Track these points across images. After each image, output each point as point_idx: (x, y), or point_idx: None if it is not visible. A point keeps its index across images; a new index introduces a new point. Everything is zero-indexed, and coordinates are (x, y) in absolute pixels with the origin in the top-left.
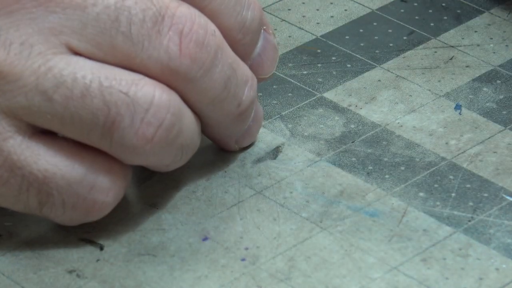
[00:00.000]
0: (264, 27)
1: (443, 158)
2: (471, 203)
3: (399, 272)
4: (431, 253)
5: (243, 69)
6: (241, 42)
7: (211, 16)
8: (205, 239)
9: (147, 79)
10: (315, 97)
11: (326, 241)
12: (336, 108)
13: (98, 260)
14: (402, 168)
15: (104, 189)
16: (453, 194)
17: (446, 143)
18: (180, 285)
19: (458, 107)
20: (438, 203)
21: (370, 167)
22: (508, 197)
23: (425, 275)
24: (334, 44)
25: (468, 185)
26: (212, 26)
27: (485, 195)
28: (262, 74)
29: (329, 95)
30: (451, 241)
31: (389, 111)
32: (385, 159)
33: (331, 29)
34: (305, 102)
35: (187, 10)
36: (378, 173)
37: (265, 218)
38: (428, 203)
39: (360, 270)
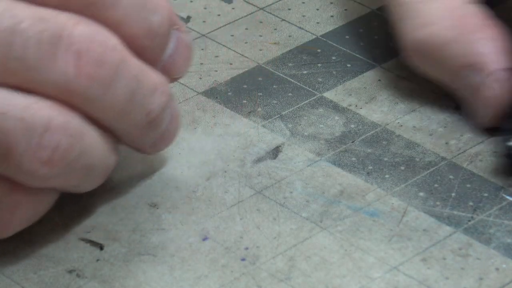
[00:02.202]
0: (176, 27)
1: (443, 158)
2: (471, 203)
3: (399, 272)
4: (431, 253)
5: (151, 76)
6: (149, 47)
7: (115, 26)
8: (205, 239)
9: (43, 103)
10: (315, 97)
11: (326, 241)
12: (336, 108)
13: (98, 260)
14: (402, 168)
15: (8, 212)
16: (453, 194)
17: (446, 143)
18: (180, 285)
19: (458, 107)
20: (438, 203)
21: (370, 167)
22: (508, 197)
23: (425, 275)
24: (334, 44)
25: (468, 185)
26: (112, 41)
27: (485, 195)
28: (175, 74)
29: (329, 95)
30: (451, 241)
31: (389, 111)
32: (385, 159)
33: (331, 29)
34: (305, 102)
35: (85, 28)
36: (378, 173)
37: (265, 218)
38: (428, 203)
39: (360, 270)
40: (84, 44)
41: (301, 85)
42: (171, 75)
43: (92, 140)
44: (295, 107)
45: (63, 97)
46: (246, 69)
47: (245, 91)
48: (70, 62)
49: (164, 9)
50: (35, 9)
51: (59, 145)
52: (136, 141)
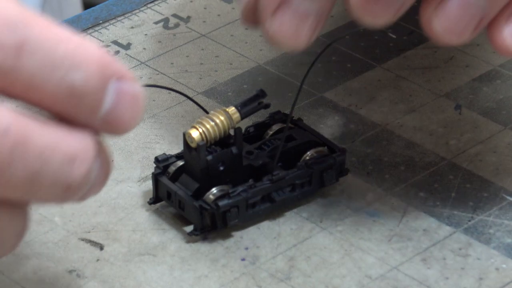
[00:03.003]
0: (115, 77)
1: (443, 158)
2: (471, 203)
3: (399, 272)
4: (431, 253)
5: (65, 149)
6: (76, 108)
7: (23, 92)
8: (205, 239)
9: None
10: (315, 97)
11: (326, 241)
12: (336, 108)
13: (98, 260)
14: (402, 168)
15: None
16: (453, 194)
17: (446, 143)
18: (180, 285)
19: (458, 107)
20: (438, 203)
21: (370, 167)
22: (508, 197)
23: (425, 275)
24: (334, 44)
25: (468, 185)
26: (3, 124)
27: (485, 195)
28: (122, 131)
29: (329, 95)
30: (451, 241)
31: (389, 111)
32: (385, 159)
33: (331, 29)
34: (305, 102)
35: None
36: (378, 173)
37: (265, 218)
38: (428, 203)
39: (360, 270)
40: None
41: None
42: (115, 131)
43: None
44: (295, 107)
45: None
46: (246, 69)
47: (245, 91)
48: None
49: (91, 62)
50: None
51: None
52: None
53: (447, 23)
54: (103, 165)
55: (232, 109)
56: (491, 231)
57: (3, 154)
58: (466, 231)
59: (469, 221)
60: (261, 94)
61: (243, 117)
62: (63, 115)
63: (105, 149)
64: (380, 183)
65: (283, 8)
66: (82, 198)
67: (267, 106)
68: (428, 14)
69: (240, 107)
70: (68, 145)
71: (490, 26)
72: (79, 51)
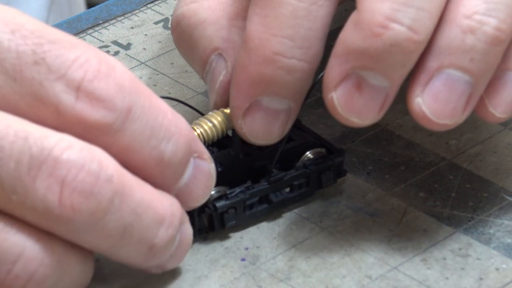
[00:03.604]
0: (196, 154)
1: (443, 158)
2: (471, 203)
3: (399, 272)
4: (431, 253)
5: (156, 209)
6: (160, 176)
7: (120, 153)
8: (205, 239)
9: (18, 227)
10: (315, 97)
11: (326, 241)
12: None
13: (98, 260)
14: (402, 168)
15: None
16: (453, 194)
17: (446, 143)
18: (180, 285)
19: None
20: (438, 203)
21: (370, 167)
22: (508, 197)
23: (425, 275)
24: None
25: (468, 185)
26: (108, 171)
27: (485, 195)
28: (192, 204)
29: None
30: (451, 241)
31: (389, 111)
32: (385, 159)
33: (331, 29)
34: (305, 102)
35: (75, 155)
36: (378, 173)
37: (270, 217)
38: (428, 203)
39: (360, 270)
40: (71, 172)
41: None
42: (187, 204)
43: (74, 268)
44: None
45: (42, 224)
46: None
47: None
48: (52, 189)
49: (181, 136)
50: (23, 125)
51: (33, 276)
52: (139, 265)
53: (435, 104)
54: (185, 235)
55: (229, 110)
56: (491, 231)
57: (104, 200)
58: (466, 231)
59: (469, 221)
60: None
61: None
62: (147, 181)
63: (187, 220)
64: (380, 183)
65: (254, 109)
66: (162, 267)
67: None
68: (415, 99)
69: None
70: (160, 205)
71: (477, 104)
72: (174, 124)
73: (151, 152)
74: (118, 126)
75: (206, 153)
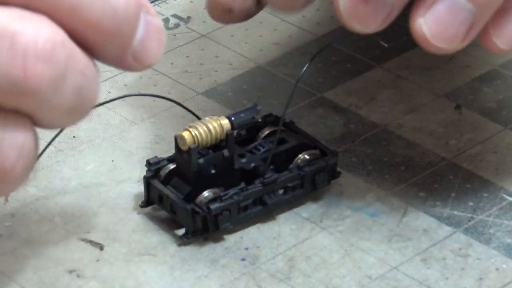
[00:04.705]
0: (145, 9)
1: (443, 158)
2: (471, 203)
3: (399, 272)
4: (431, 253)
5: (92, 66)
6: (117, 33)
7: (71, 11)
8: (205, 239)
9: None
10: (315, 97)
11: (326, 241)
12: (336, 108)
13: (98, 260)
14: (402, 168)
15: None
16: (453, 194)
17: (446, 143)
18: (180, 285)
19: (458, 107)
20: (438, 203)
21: (370, 167)
22: (508, 197)
23: (425, 275)
24: (334, 44)
25: (468, 185)
26: (60, 36)
27: (485, 195)
28: (149, 61)
29: (329, 95)
30: (451, 241)
31: (389, 111)
32: (385, 159)
33: (331, 29)
34: (305, 102)
35: (30, 24)
36: (378, 173)
37: (265, 218)
38: (428, 203)
39: (360, 270)
40: (30, 42)
41: (301, 85)
42: (144, 63)
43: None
44: (295, 107)
45: (7, 102)
46: (246, 70)
47: (245, 91)
48: (15, 63)
49: None
50: None
51: (22, 149)
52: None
53: (436, 28)
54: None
55: (225, 121)
56: (491, 231)
57: (62, 65)
58: (466, 231)
59: (469, 221)
60: (255, 108)
61: (235, 128)
62: (95, 46)
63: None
64: (380, 183)
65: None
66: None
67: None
68: (417, 19)
69: (233, 118)
70: (93, 63)
71: (482, 33)
72: None
73: (104, 7)
74: None
75: (153, 9)
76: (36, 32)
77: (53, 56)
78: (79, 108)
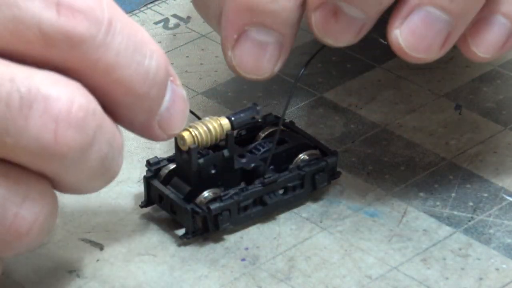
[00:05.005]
0: (171, 78)
1: (443, 158)
2: (471, 203)
3: (399, 272)
4: (431, 253)
5: (119, 136)
6: (146, 96)
7: (106, 71)
8: (205, 239)
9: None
10: (315, 97)
11: (326, 241)
12: (336, 108)
13: (98, 260)
14: (402, 168)
15: None
16: (453, 194)
17: (446, 143)
18: (180, 285)
19: (458, 107)
20: (438, 203)
21: (370, 167)
22: (508, 197)
23: (425, 275)
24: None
25: (468, 185)
26: (93, 105)
27: (485, 195)
28: (173, 130)
29: (329, 95)
30: (451, 241)
31: (389, 111)
32: (385, 159)
33: None
34: (305, 102)
35: (64, 90)
36: (378, 173)
37: (265, 218)
38: (428, 203)
39: (360, 270)
40: (64, 108)
41: (301, 85)
42: (169, 130)
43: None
44: (295, 107)
45: (34, 165)
46: None
47: (245, 92)
48: (47, 127)
49: (160, 55)
50: (6, 67)
51: (38, 217)
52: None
53: (412, 39)
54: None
55: (225, 121)
56: (491, 231)
57: (90, 133)
58: (466, 231)
59: (469, 221)
60: (255, 108)
61: (235, 128)
62: (125, 109)
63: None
64: (380, 183)
65: (242, 40)
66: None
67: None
68: (393, 31)
69: (233, 118)
70: (119, 134)
71: (460, 42)
72: (151, 41)
73: (137, 68)
74: (102, 39)
75: (179, 79)
76: (71, 98)
77: (84, 124)
78: (100, 177)
